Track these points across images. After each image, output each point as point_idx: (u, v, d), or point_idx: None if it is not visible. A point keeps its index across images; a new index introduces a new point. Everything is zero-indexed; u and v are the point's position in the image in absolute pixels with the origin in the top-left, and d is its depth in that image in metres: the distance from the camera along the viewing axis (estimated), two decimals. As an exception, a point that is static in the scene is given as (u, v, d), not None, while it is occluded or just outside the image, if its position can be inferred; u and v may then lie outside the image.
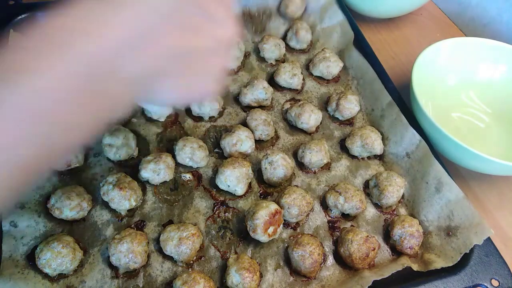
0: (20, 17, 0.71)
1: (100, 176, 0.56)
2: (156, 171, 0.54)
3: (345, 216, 0.56)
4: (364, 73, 0.69)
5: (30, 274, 0.46)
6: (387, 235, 0.54)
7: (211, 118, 0.64)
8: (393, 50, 0.83)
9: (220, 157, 0.60)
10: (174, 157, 0.57)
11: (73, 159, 0.54)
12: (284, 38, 0.77)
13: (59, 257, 0.45)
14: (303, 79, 0.71)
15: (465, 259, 0.48)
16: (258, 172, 0.58)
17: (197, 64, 0.33)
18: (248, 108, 0.66)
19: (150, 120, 0.63)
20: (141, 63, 0.29)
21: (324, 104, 0.69)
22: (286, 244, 0.52)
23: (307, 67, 0.74)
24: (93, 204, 0.53)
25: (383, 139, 0.62)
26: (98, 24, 0.26)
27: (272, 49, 0.72)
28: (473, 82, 0.70)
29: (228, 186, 0.54)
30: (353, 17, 0.76)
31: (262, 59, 0.74)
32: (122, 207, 0.52)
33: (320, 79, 0.72)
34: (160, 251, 0.50)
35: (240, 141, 0.58)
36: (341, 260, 0.51)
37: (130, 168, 0.57)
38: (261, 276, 0.49)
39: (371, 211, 0.57)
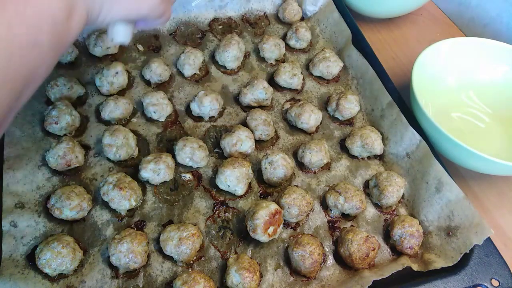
0: (20, 17, 0.71)
1: (100, 176, 0.56)
2: (156, 171, 0.54)
3: (345, 216, 0.56)
4: (364, 73, 0.69)
5: (30, 274, 0.46)
6: (387, 235, 0.54)
7: (211, 118, 0.64)
8: (393, 50, 0.83)
9: (220, 157, 0.60)
10: (174, 157, 0.57)
11: (73, 159, 0.54)
12: (284, 38, 0.77)
13: (59, 257, 0.45)
14: (303, 79, 0.71)
15: (465, 259, 0.48)
16: (258, 172, 0.58)
17: None
18: (248, 108, 0.66)
19: (150, 120, 0.63)
20: None
21: (324, 104, 0.69)
22: (286, 244, 0.52)
23: (307, 67, 0.74)
24: (93, 204, 0.53)
25: (383, 139, 0.62)
26: None
27: (272, 49, 0.72)
28: (473, 82, 0.70)
29: (228, 186, 0.54)
30: (353, 17, 0.76)
31: (262, 59, 0.74)
32: (122, 207, 0.52)
33: (320, 79, 0.72)
34: (160, 251, 0.50)
35: (240, 141, 0.58)
36: (341, 260, 0.51)
37: (130, 168, 0.57)
38: (261, 276, 0.49)
39: (371, 211, 0.57)
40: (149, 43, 0.73)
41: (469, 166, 0.58)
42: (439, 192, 0.54)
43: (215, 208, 0.55)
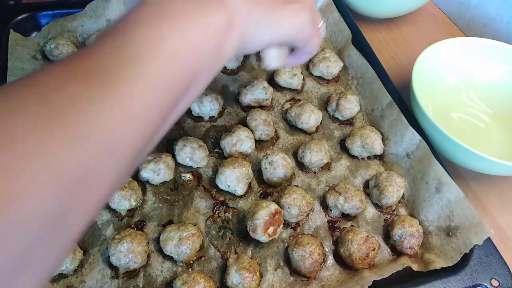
0: (20, 17, 0.71)
1: (100, 176, 0.56)
2: (156, 171, 0.54)
3: (345, 216, 0.56)
4: (364, 73, 0.69)
5: (30, 274, 0.46)
6: (387, 235, 0.54)
7: (211, 118, 0.64)
8: (393, 50, 0.83)
9: (220, 157, 0.60)
10: (174, 157, 0.57)
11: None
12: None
13: (59, 257, 0.45)
14: (303, 79, 0.71)
15: (465, 259, 0.48)
16: (258, 172, 0.58)
17: (284, 5, 0.39)
18: (248, 108, 0.66)
19: (150, 120, 0.62)
20: (247, 9, 0.35)
21: (324, 104, 0.69)
22: (286, 244, 0.52)
23: (307, 67, 0.73)
24: (93, 204, 0.53)
25: (383, 139, 0.62)
26: None
27: (272, 49, 0.72)
28: (473, 82, 0.70)
29: (228, 186, 0.54)
30: (353, 17, 0.76)
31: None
32: (122, 207, 0.52)
33: (320, 79, 0.72)
34: (160, 251, 0.50)
35: (240, 141, 0.58)
36: (341, 260, 0.51)
37: (130, 168, 0.57)
38: (261, 276, 0.49)
39: (371, 211, 0.57)
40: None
41: (469, 166, 0.58)
42: (439, 192, 0.54)
43: (215, 208, 0.55)
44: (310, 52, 0.47)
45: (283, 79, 0.68)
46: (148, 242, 0.50)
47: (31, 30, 0.72)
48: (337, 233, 0.54)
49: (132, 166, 0.28)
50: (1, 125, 0.20)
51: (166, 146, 0.60)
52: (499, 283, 0.47)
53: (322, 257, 0.50)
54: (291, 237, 0.53)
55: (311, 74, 0.73)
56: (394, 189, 0.55)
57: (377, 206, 0.57)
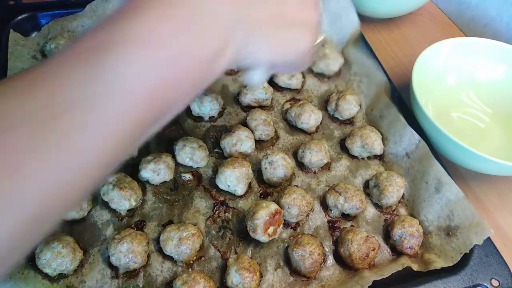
0: (20, 17, 0.71)
1: (100, 176, 0.56)
2: (156, 171, 0.54)
3: (345, 216, 0.56)
4: (364, 73, 0.69)
5: (30, 274, 0.46)
6: (387, 235, 0.54)
7: (211, 118, 0.64)
8: (393, 50, 0.83)
9: (220, 157, 0.60)
10: (174, 157, 0.57)
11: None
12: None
13: (59, 257, 0.45)
14: (303, 77, 0.71)
15: (465, 259, 0.48)
16: (258, 172, 0.58)
17: (288, 30, 0.37)
18: (248, 108, 0.66)
19: (150, 120, 0.62)
20: (248, 27, 0.33)
21: (324, 104, 0.69)
22: (286, 244, 0.52)
23: (307, 67, 0.73)
24: (93, 204, 0.53)
25: (383, 139, 0.62)
26: None
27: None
28: (473, 82, 0.70)
29: (228, 186, 0.54)
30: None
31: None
32: (122, 207, 0.52)
33: (320, 75, 0.72)
34: (160, 251, 0.50)
35: (240, 141, 0.58)
36: (341, 260, 0.51)
37: (130, 168, 0.57)
38: (261, 276, 0.49)
39: (371, 211, 0.57)
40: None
41: (469, 166, 0.58)
42: (439, 192, 0.54)
43: (215, 208, 0.55)
44: (293, 72, 0.44)
45: (281, 80, 0.68)
46: (148, 242, 0.50)
47: (31, 30, 0.72)
48: (337, 233, 0.54)
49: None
50: None
51: (166, 146, 0.60)
52: (499, 283, 0.47)
53: (322, 257, 0.50)
54: (291, 237, 0.53)
55: (312, 71, 0.72)
56: (394, 189, 0.55)
57: (377, 206, 0.57)
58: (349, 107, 0.64)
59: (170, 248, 0.48)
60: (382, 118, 0.64)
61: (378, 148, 0.60)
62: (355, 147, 0.60)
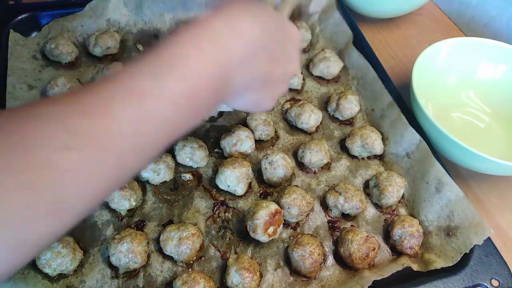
0: (20, 17, 0.71)
1: (100, 176, 0.56)
2: (156, 171, 0.54)
3: (345, 216, 0.56)
4: (364, 73, 0.69)
5: (30, 274, 0.46)
6: (387, 235, 0.54)
7: (211, 118, 0.64)
8: (393, 50, 0.83)
9: (220, 157, 0.60)
10: (174, 157, 0.57)
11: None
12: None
13: (59, 257, 0.45)
14: (303, 79, 0.71)
15: (465, 259, 0.48)
16: (258, 172, 0.58)
17: (269, 86, 0.43)
18: (248, 108, 0.66)
19: (150, 120, 0.62)
20: (243, 78, 0.38)
21: (324, 104, 0.69)
22: (286, 244, 0.52)
23: (307, 67, 0.73)
24: (93, 204, 0.53)
25: (383, 139, 0.62)
26: (223, 46, 0.35)
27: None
28: (473, 82, 0.70)
29: (228, 186, 0.54)
30: (353, 17, 0.76)
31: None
32: (122, 207, 0.52)
33: (320, 79, 0.72)
34: (160, 251, 0.50)
35: (240, 141, 0.58)
36: (341, 260, 0.51)
37: (130, 168, 0.57)
38: (261, 276, 0.49)
39: (371, 211, 0.57)
40: (149, 43, 0.73)
41: (469, 166, 0.58)
42: (439, 192, 0.54)
43: (215, 208, 0.55)
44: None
45: (283, 79, 0.68)
46: (148, 242, 0.50)
47: (31, 30, 0.72)
48: (337, 233, 0.54)
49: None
50: None
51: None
52: (499, 283, 0.47)
53: (322, 257, 0.50)
54: (291, 237, 0.53)
55: (311, 74, 0.73)
56: (394, 189, 0.55)
57: (377, 206, 0.57)
58: (350, 106, 0.64)
59: (170, 248, 0.48)
60: (383, 118, 0.64)
61: (378, 148, 0.60)
62: (355, 147, 0.60)
